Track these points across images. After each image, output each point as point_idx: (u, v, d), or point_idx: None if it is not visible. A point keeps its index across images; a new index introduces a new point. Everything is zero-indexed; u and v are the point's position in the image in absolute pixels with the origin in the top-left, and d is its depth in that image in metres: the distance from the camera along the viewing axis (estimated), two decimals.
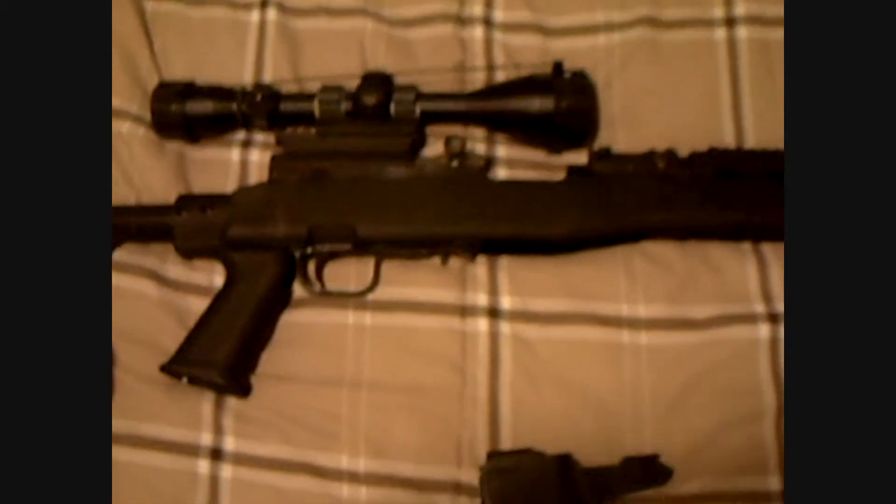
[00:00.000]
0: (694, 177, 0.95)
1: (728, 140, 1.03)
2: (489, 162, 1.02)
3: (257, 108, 1.00)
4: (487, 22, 1.09)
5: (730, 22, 1.07)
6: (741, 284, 0.96)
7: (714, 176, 0.95)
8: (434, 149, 1.02)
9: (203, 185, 1.04)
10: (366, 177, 0.98)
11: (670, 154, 0.97)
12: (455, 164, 0.98)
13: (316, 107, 0.99)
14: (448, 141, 0.97)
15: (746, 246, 0.98)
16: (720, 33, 1.06)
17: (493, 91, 1.02)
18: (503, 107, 0.99)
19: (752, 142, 1.02)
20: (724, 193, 0.95)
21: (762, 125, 1.03)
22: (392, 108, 0.99)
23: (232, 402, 0.95)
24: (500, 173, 1.03)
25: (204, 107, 1.01)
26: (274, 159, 1.00)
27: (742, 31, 1.06)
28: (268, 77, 1.09)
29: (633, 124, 1.04)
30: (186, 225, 0.97)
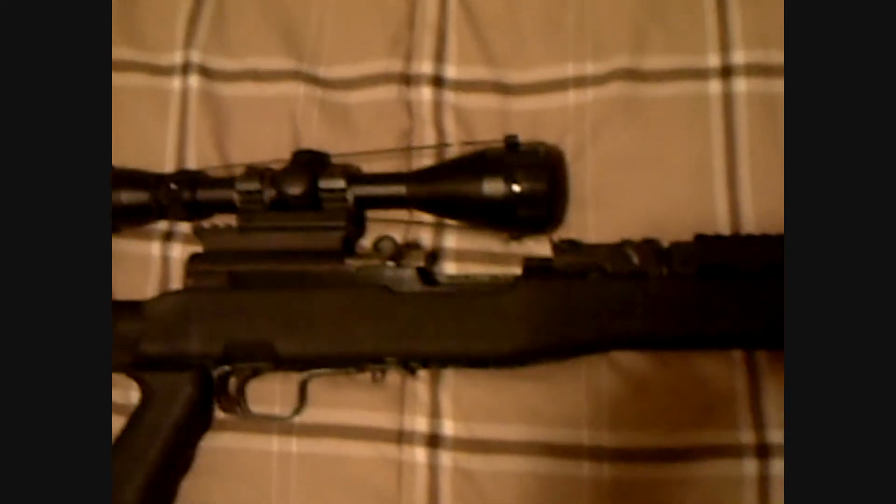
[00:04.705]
0: (674, 276, 0.79)
1: (722, 221, 0.85)
2: (433, 258, 0.88)
3: (173, 197, 0.88)
4: (437, 81, 0.93)
5: (726, 72, 0.88)
6: (728, 405, 0.81)
7: (699, 274, 0.79)
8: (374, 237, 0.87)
9: (122, 283, 0.93)
10: (289, 283, 0.85)
11: (646, 246, 0.81)
12: (391, 265, 0.84)
13: (236, 197, 0.87)
14: (377, 244, 0.84)
15: (737, 355, 0.82)
16: (714, 86, 0.88)
17: (436, 172, 0.87)
18: (447, 190, 0.84)
19: (750, 223, 0.85)
20: (709, 297, 0.78)
21: (763, 202, 0.85)
22: (321, 195, 0.86)
23: None
24: (448, 268, 0.89)
25: (115, 197, 0.89)
26: (192, 259, 0.88)
27: (741, 84, 0.87)
28: (191, 154, 0.96)
29: (606, 203, 0.88)
30: None
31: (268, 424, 0.88)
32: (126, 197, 0.89)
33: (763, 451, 0.79)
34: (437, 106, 0.93)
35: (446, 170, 0.86)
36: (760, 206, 0.85)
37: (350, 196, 0.86)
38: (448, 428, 0.85)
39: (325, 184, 0.85)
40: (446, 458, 0.84)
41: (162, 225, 0.94)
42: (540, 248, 0.87)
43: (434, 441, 0.85)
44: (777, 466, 0.79)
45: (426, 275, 0.85)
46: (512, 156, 0.82)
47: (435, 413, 0.85)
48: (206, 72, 0.98)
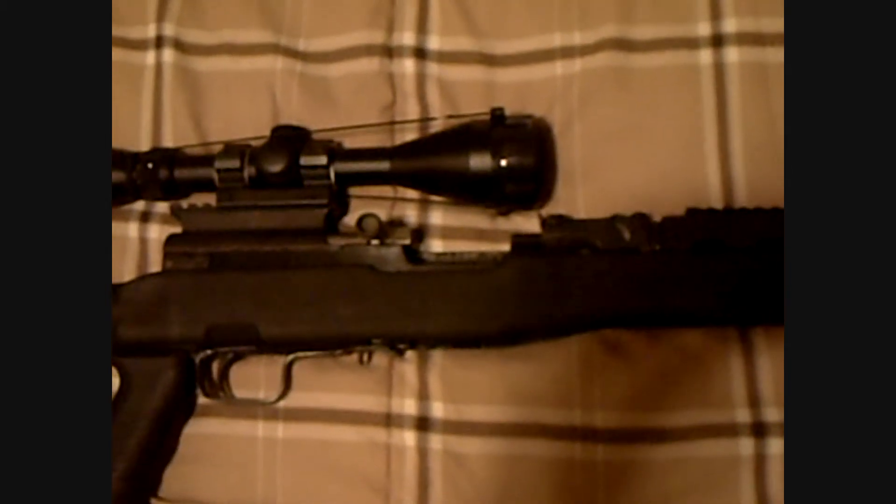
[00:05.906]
0: (666, 251, 0.77)
1: (714, 194, 0.83)
2: (419, 236, 0.86)
3: (149, 176, 0.86)
4: (420, 52, 0.90)
5: (717, 41, 0.85)
6: (723, 383, 0.79)
7: (691, 249, 0.77)
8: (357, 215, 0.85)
9: None
10: (271, 264, 0.83)
11: (638, 220, 0.79)
12: (375, 243, 0.82)
13: (214, 175, 0.84)
14: (360, 222, 0.81)
15: (732, 332, 0.80)
16: (705, 56, 0.85)
17: (421, 146, 0.84)
18: (433, 166, 0.82)
19: (743, 196, 0.83)
20: (702, 273, 0.76)
21: (756, 174, 0.83)
22: (302, 172, 0.83)
23: None
24: (435, 245, 0.87)
25: None
26: (170, 240, 0.86)
27: (732, 53, 0.85)
28: (167, 132, 0.93)
29: (596, 177, 0.85)
30: None
31: (252, 409, 0.86)
32: None
33: (759, 430, 0.78)
34: (421, 78, 0.90)
35: (431, 144, 0.84)
36: (753, 178, 0.83)
37: (332, 173, 0.83)
38: (437, 410, 0.83)
39: (305, 160, 0.83)
40: (436, 441, 0.82)
41: (139, 205, 0.92)
42: (528, 223, 0.85)
43: (423, 424, 0.83)
44: (774, 445, 0.78)
45: (412, 253, 0.83)
46: (498, 129, 0.80)
47: (423, 395, 0.83)
48: (180, 45, 0.94)
